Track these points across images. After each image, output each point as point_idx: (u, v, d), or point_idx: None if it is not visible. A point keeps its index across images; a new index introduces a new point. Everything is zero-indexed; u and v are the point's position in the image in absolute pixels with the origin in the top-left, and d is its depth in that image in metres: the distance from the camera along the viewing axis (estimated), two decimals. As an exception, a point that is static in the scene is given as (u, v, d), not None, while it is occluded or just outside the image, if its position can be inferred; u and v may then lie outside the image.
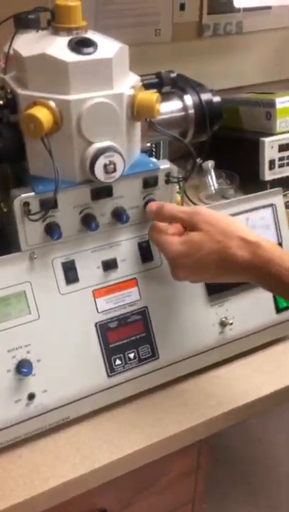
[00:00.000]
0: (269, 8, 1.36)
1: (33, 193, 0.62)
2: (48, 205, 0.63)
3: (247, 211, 0.78)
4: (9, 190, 0.64)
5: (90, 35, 0.61)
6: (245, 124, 1.19)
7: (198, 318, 0.76)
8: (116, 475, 0.69)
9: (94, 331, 0.69)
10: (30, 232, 0.64)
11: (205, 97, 0.78)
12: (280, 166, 1.13)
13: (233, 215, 0.76)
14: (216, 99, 0.79)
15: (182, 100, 0.78)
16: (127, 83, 0.63)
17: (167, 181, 0.70)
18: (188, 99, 0.78)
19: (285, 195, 0.84)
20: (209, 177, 1.20)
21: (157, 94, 0.63)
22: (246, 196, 0.79)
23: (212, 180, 1.20)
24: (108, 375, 0.70)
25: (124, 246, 0.71)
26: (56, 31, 0.61)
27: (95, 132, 0.61)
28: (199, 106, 0.78)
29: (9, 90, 0.62)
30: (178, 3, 1.24)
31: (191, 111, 0.78)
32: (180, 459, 0.82)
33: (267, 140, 1.11)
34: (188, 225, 0.65)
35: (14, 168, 0.69)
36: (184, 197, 1.03)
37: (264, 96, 1.16)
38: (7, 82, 0.64)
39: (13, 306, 0.65)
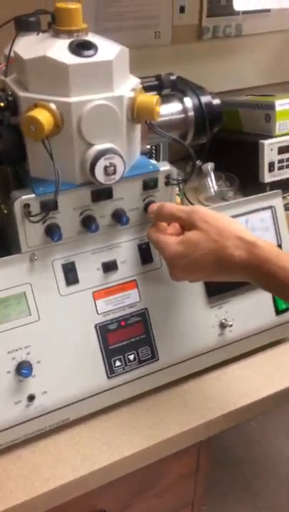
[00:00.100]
0: (268, 11, 1.36)
1: (33, 195, 0.63)
2: (49, 206, 0.63)
3: (246, 213, 0.78)
4: (10, 191, 0.64)
5: (91, 37, 0.61)
6: (244, 127, 1.19)
7: (197, 320, 0.76)
8: (116, 477, 0.69)
9: (94, 333, 0.69)
10: (30, 233, 0.64)
11: (205, 99, 0.79)
12: (280, 168, 1.14)
13: (233, 217, 0.76)
14: (216, 101, 0.80)
15: (182, 102, 0.79)
16: (128, 85, 0.63)
17: (167, 183, 0.70)
18: (188, 102, 0.78)
19: (284, 197, 0.84)
20: (209, 179, 1.20)
21: (157, 97, 0.63)
22: (246, 198, 0.79)
23: (212, 183, 1.20)
24: (108, 377, 0.70)
25: (124, 248, 0.71)
26: (57, 34, 0.61)
27: (96, 134, 0.61)
28: (199, 108, 0.78)
29: (10, 92, 0.62)
30: (178, 5, 1.25)
31: (191, 113, 0.78)
32: (179, 460, 0.82)
33: (266, 142, 1.11)
34: (187, 224, 0.65)
35: (15, 169, 0.70)
36: (183, 199, 1.03)
37: (263, 98, 1.16)
38: (8, 85, 0.64)
39: (13, 307, 0.65)
